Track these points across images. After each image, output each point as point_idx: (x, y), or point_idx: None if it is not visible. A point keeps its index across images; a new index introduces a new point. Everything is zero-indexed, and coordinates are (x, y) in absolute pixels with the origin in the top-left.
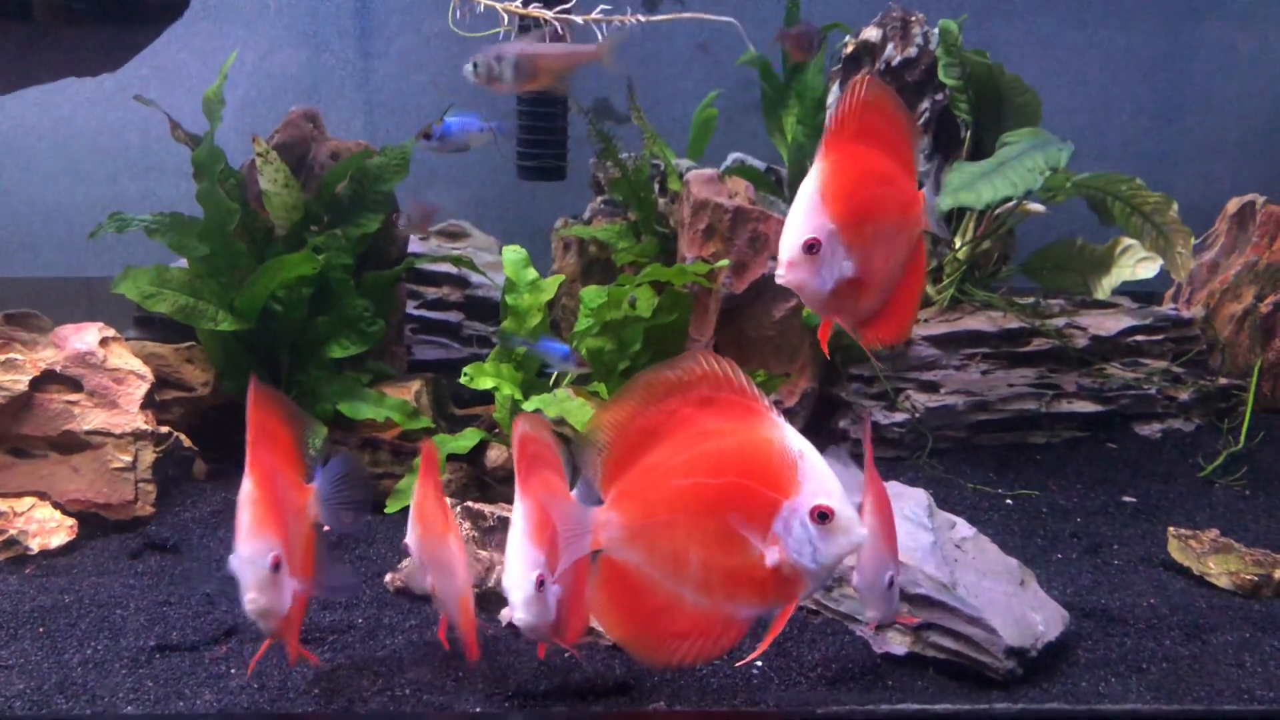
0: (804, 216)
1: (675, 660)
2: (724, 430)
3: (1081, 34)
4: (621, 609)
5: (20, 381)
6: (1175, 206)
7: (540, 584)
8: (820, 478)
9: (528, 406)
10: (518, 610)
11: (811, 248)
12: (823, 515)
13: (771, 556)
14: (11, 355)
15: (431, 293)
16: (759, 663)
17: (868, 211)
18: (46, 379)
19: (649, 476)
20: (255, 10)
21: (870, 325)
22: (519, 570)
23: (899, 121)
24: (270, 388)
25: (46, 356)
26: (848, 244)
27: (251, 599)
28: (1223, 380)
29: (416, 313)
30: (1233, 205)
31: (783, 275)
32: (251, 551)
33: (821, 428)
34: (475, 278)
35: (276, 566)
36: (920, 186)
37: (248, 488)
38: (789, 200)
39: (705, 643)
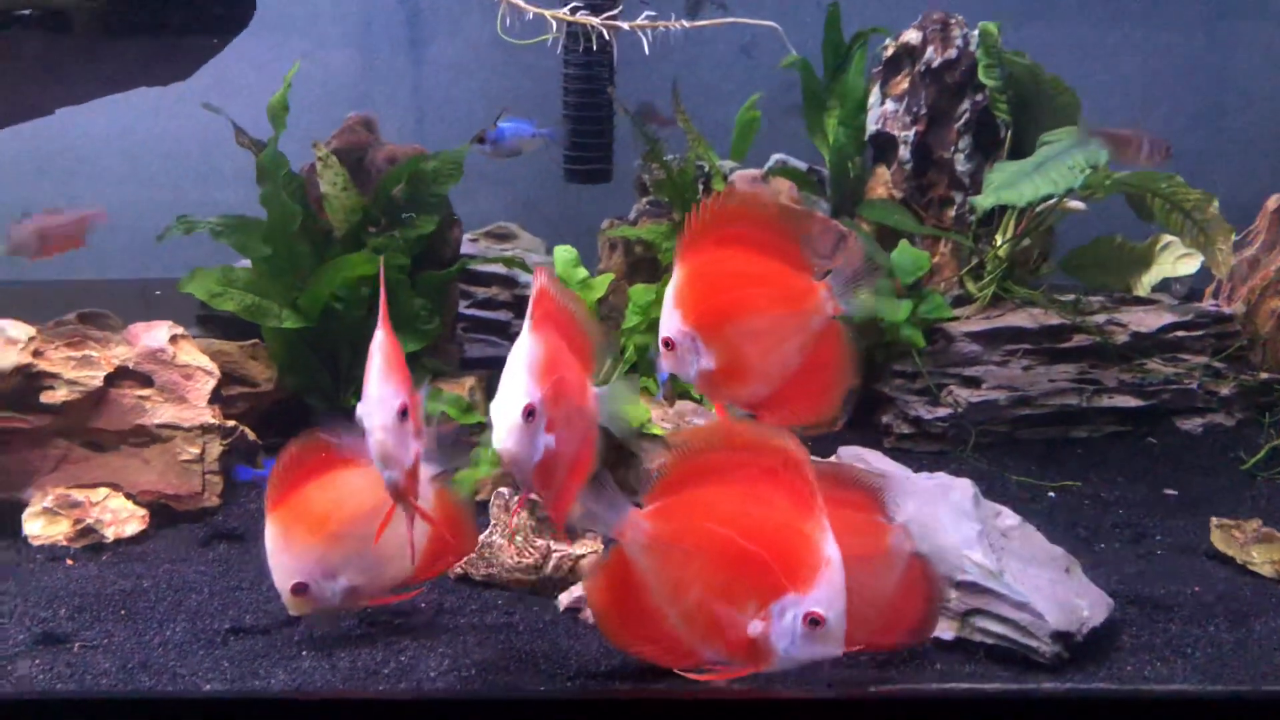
0: (662, 320)
1: (631, 653)
2: (775, 504)
3: (1120, 33)
4: (611, 596)
5: (96, 378)
6: (1216, 203)
7: (529, 414)
8: (832, 590)
9: None
10: (499, 434)
11: (667, 344)
12: (814, 621)
13: (754, 629)
14: (87, 352)
15: (481, 292)
16: None
17: (728, 311)
18: (120, 375)
19: (692, 507)
20: (309, 19)
21: (765, 408)
22: (509, 396)
23: (775, 222)
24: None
25: (120, 354)
26: (705, 341)
27: (379, 440)
28: (1264, 375)
29: (467, 312)
30: (1273, 202)
31: (660, 365)
32: (381, 393)
33: (865, 423)
34: (524, 278)
35: (403, 413)
36: (824, 276)
37: (380, 337)
38: (831, 199)
39: (665, 656)
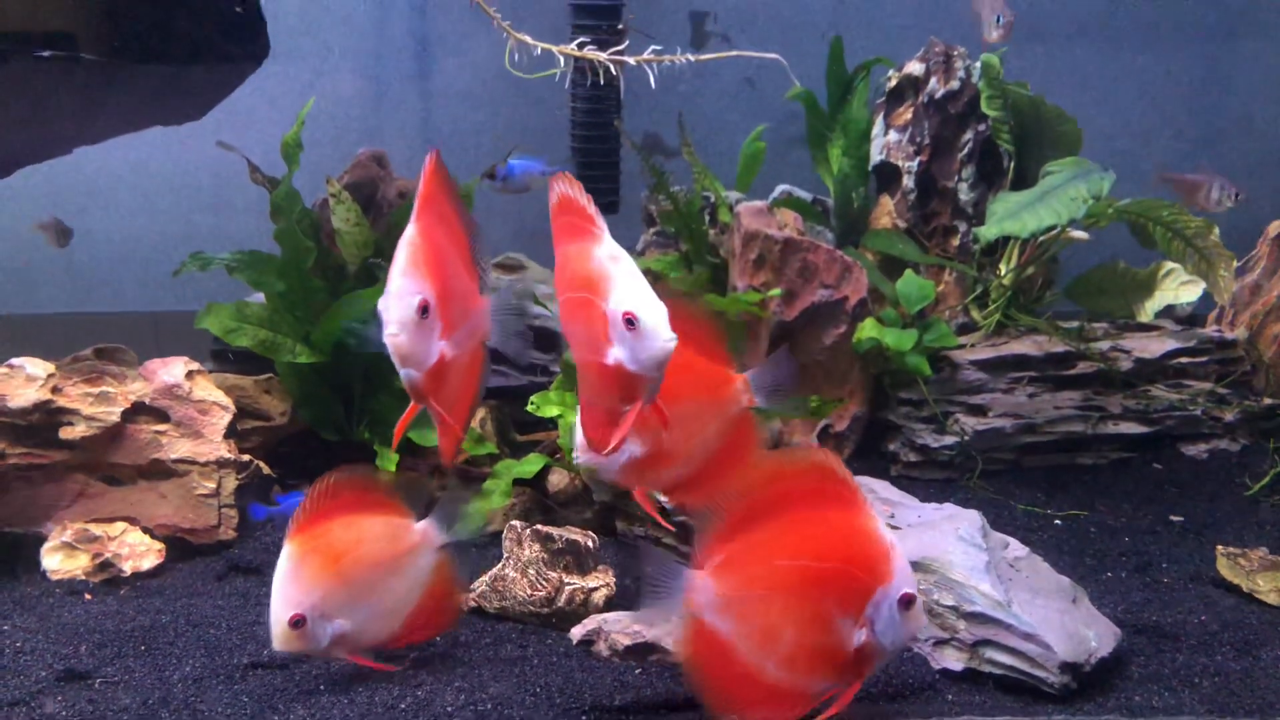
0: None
1: None
2: (828, 519)
3: (1120, 61)
4: (705, 670)
5: (113, 413)
6: (1216, 230)
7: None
8: (906, 566)
9: None
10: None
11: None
12: (908, 602)
13: (859, 638)
14: (105, 388)
15: None
16: None
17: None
18: (137, 410)
19: (753, 552)
20: (320, 54)
21: (681, 491)
22: (651, 295)
23: (695, 316)
24: (457, 186)
25: (136, 389)
26: (636, 429)
27: (391, 334)
28: (1267, 400)
29: None
30: (1274, 228)
31: (577, 458)
32: (399, 288)
33: (872, 451)
34: (534, 309)
35: (424, 311)
36: (744, 370)
37: (410, 233)
38: (836, 229)
39: (774, 713)
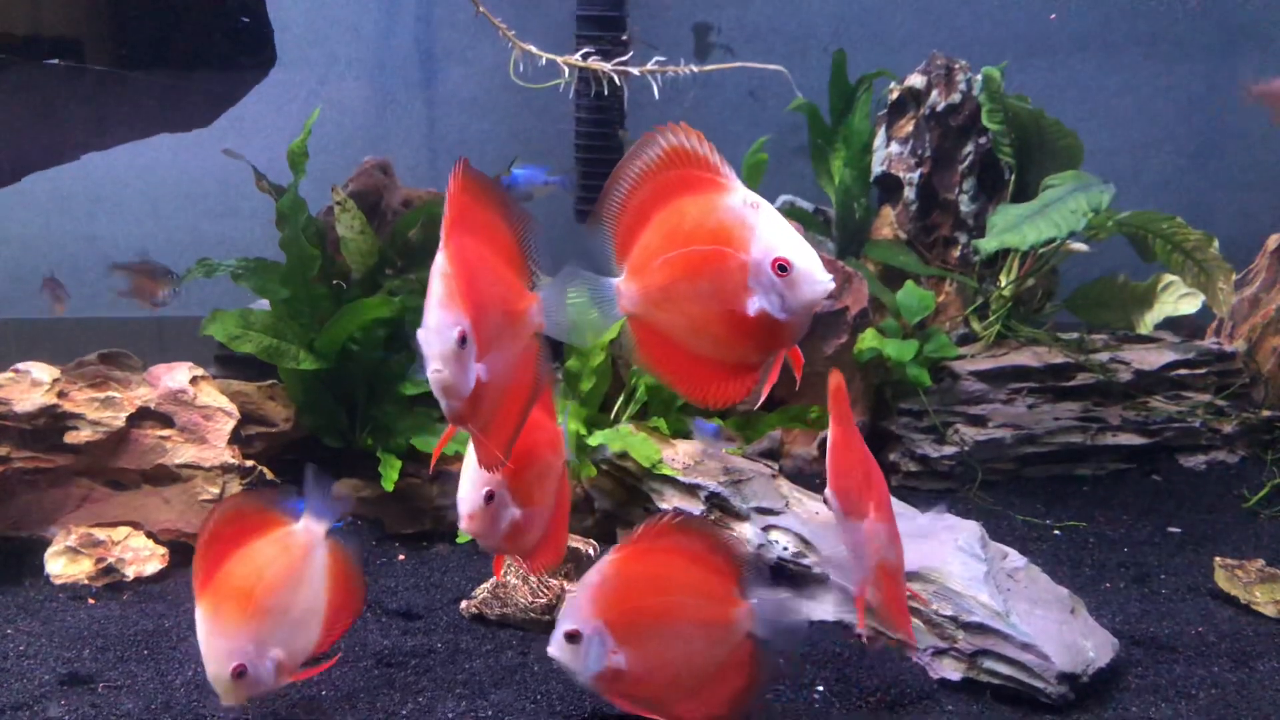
0: (469, 478)
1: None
2: (698, 203)
3: (1121, 75)
4: (654, 363)
5: (118, 418)
6: (1216, 243)
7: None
8: (770, 236)
9: (592, 441)
10: None
11: (490, 497)
12: (783, 266)
13: (753, 306)
14: (110, 394)
15: None
16: (820, 687)
17: (524, 469)
18: (141, 415)
19: (651, 251)
20: (326, 63)
21: (535, 556)
22: (799, 239)
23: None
24: (493, 183)
25: (141, 394)
26: (513, 498)
27: (435, 370)
28: (1266, 413)
29: None
30: (1273, 241)
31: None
32: (438, 323)
33: None
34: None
35: (463, 341)
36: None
37: (440, 262)
38: (837, 240)
39: (727, 389)
